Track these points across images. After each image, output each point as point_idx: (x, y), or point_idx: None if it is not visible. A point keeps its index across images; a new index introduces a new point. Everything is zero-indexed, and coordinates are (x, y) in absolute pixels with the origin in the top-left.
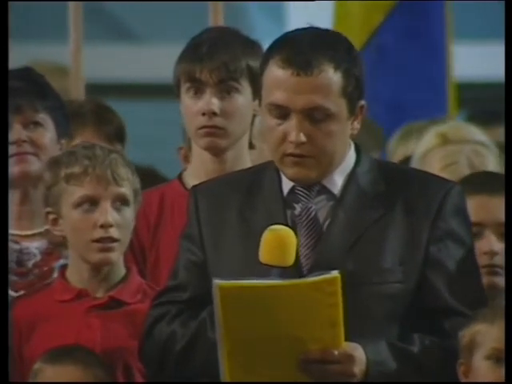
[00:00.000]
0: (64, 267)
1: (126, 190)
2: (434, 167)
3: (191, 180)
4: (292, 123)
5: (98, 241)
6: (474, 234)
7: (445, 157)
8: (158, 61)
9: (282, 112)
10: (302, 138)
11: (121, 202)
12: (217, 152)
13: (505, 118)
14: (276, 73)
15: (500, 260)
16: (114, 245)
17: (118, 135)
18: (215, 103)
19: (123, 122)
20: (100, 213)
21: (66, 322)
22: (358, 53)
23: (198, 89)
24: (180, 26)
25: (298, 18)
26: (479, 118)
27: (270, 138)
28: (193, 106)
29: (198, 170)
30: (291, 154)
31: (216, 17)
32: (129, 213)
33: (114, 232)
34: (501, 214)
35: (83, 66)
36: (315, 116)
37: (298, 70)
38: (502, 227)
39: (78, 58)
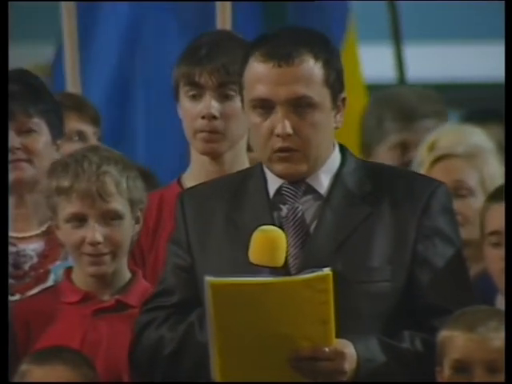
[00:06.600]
0: (69, 269)
1: (115, 205)
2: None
3: (190, 182)
4: (277, 116)
5: (89, 255)
6: (496, 243)
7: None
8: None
9: (265, 106)
10: (289, 129)
11: (110, 217)
12: (215, 156)
13: (505, 118)
14: (257, 68)
15: None
16: (105, 258)
17: (96, 119)
18: (215, 106)
19: (97, 109)
20: (87, 230)
21: (72, 323)
22: (336, 47)
23: (198, 92)
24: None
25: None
26: (477, 117)
27: (257, 135)
28: (192, 109)
29: (197, 172)
30: (279, 149)
31: (224, 17)
32: (123, 225)
33: (102, 248)
34: None
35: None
36: (299, 106)
37: (279, 61)
38: None
39: (74, 58)
